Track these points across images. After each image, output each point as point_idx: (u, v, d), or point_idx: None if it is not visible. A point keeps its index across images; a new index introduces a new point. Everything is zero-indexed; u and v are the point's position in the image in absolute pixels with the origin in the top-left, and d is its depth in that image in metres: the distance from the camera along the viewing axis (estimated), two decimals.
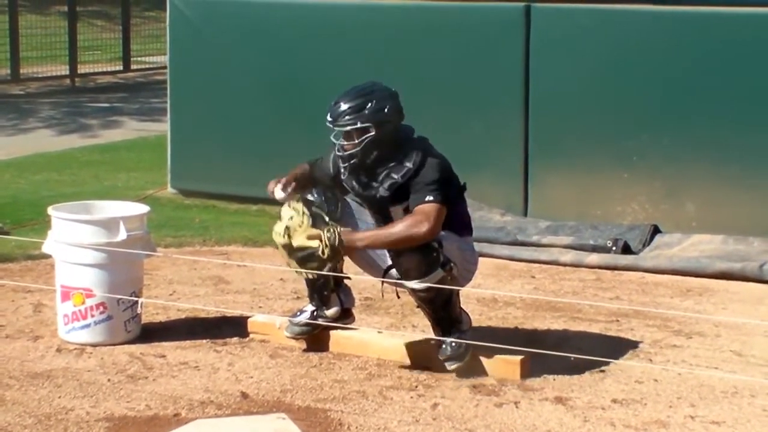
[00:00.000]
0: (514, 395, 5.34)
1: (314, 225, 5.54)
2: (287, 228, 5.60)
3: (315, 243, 5.43)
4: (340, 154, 5.63)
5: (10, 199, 9.80)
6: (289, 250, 5.61)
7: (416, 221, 5.35)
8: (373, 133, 5.52)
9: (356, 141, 5.53)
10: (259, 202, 9.46)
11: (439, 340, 5.57)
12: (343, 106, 5.55)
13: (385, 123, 5.54)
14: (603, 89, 8.49)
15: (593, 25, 8.48)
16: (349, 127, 5.53)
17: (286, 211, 5.67)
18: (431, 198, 5.40)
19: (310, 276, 5.72)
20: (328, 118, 5.58)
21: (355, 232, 5.52)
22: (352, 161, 5.59)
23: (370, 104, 5.54)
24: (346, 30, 9.29)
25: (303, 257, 5.59)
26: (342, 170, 5.69)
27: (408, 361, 5.69)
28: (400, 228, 5.36)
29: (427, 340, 5.70)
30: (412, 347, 5.75)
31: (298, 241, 5.53)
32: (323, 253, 5.39)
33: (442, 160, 5.57)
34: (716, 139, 8.17)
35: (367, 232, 5.54)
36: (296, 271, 5.74)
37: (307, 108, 9.19)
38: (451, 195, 5.51)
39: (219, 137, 9.81)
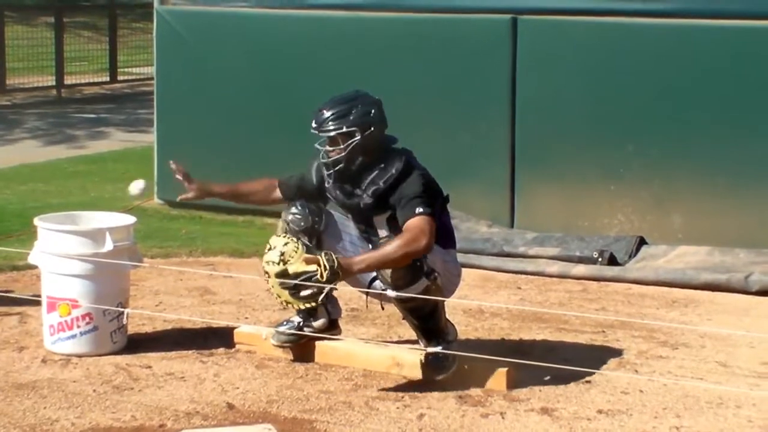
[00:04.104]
0: (500, 406, 5.34)
1: (308, 252, 5.47)
2: (282, 254, 5.53)
3: (313, 267, 5.23)
4: (324, 161, 5.64)
5: None
6: (283, 277, 5.33)
7: (412, 237, 5.28)
8: (358, 138, 5.53)
9: (342, 146, 5.54)
10: (246, 214, 9.46)
11: (425, 350, 5.57)
12: (328, 113, 5.58)
13: (370, 128, 5.55)
14: (589, 101, 8.51)
15: (580, 37, 8.51)
16: (333, 132, 5.54)
17: (277, 240, 5.61)
18: (421, 210, 5.37)
19: (301, 306, 5.49)
20: (313, 124, 5.61)
21: (352, 257, 5.40)
22: (337, 167, 5.59)
23: (354, 110, 5.57)
24: (333, 41, 9.29)
25: (299, 283, 5.28)
26: (326, 178, 5.70)
27: (393, 372, 5.70)
28: (396, 246, 5.26)
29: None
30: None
31: (295, 267, 5.31)
32: (322, 276, 5.19)
33: (425, 172, 5.58)
34: (702, 151, 8.20)
35: (364, 255, 5.40)
36: (285, 302, 5.47)
37: (294, 118, 9.17)
38: (436, 207, 5.51)
39: (205, 148, 9.79)
